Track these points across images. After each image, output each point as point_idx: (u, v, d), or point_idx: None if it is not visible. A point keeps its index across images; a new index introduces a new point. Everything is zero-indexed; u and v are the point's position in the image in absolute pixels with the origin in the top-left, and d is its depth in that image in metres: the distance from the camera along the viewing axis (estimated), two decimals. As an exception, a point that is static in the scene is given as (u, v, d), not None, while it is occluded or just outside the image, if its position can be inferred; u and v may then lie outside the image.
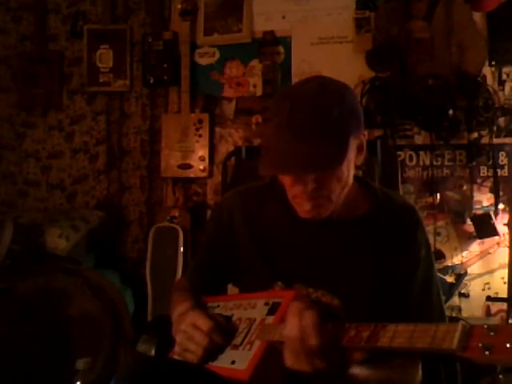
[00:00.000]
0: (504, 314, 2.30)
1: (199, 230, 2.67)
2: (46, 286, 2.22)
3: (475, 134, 2.37)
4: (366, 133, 1.18)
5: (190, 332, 1.12)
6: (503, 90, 2.40)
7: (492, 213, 2.35)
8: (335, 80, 1.15)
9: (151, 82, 2.78)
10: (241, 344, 1.07)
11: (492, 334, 0.65)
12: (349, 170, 1.12)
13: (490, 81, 2.38)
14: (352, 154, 1.12)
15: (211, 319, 1.13)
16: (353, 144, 1.11)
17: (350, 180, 1.16)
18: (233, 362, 1.05)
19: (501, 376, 1.75)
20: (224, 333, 1.11)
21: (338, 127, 1.06)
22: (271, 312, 1.08)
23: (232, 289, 1.43)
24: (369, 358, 1.04)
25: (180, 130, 2.70)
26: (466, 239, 2.43)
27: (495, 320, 2.35)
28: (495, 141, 2.38)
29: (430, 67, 2.36)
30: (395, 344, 0.77)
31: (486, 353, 0.64)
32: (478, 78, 2.33)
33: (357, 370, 1.02)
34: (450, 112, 2.30)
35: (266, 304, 1.11)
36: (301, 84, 1.15)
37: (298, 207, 1.16)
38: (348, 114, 1.08)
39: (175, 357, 1.18)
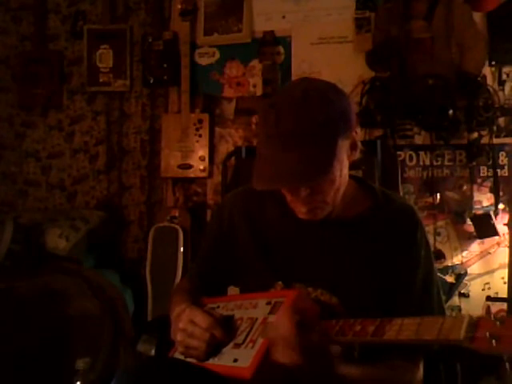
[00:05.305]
0: (504, 314, 2.29)
1: (199, 230, 2.67)
2: (46, 286, 2.22)
3: (475, 134, 2.37)
4: (358, 130, 1.17)
5: (189, 329, 1.12)
6: (503, 90, 2.40)
7: (492, 213, 2.35)
8: (320, 82, 1.15)
9: (151, 82, 2.78)
10: (243, 343, 1.07)
11: (498, 324, 0.65)
12: (341, 170, 1.12)
13: (490, 81, 2.38)
14: (343, 155, 1.11)
15: (209, 315, 1.13)
16: (342, 145, 1.10)
17: (345, 179, 1.16)
18: (235, 361, 1.04)
19: (507, 364, 1.73)
20: (224, 327, 1.11)
21: (324, 133, 1.06)
22: (273, 311, 1.08)
23: (232, 289, 1.43)
24: (370, 358, 1.05)
25: (180, 129, 2.70)
26: (465, 239, 2.42)
27: (495, 320, 2.34)
28: (495, 141, 2.37)
29: (430, 67, 2.35)
30: (402, 337, 0.77)
31: (493, 342, 0.64)
32: (478, 78, 2.33)
33: (358, 370, 1.02)
34: (450, 112, 2.29)
35: (268, 303, 1.11)
36: (285, 90, 1.15)
37: (295, 210, 1.17)
38: (334, 116, 1.07)
39: (178, 356, 1.17)
